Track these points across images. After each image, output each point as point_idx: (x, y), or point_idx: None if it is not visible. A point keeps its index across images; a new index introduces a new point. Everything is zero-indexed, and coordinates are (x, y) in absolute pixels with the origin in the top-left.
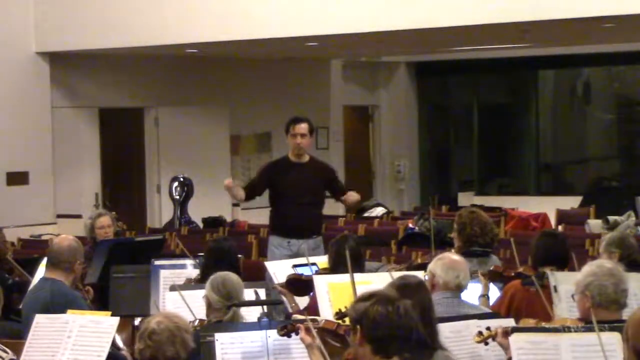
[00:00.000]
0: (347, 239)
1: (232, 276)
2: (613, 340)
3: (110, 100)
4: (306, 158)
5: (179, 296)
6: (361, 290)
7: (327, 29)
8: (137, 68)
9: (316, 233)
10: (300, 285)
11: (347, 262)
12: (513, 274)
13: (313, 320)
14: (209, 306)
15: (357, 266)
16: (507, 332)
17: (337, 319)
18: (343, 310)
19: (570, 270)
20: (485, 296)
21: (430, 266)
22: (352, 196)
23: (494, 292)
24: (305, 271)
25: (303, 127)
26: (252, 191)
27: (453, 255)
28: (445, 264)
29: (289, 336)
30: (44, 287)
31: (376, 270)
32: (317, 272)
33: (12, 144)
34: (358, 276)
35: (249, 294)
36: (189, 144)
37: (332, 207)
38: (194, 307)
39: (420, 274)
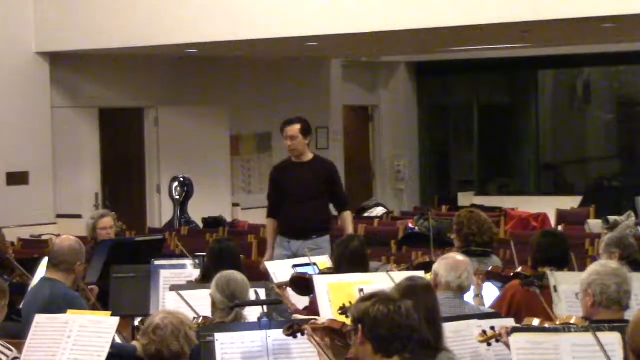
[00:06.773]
0: (352, 239)
1: (237, 276)
2: (613, 340)
3: (110, 100)
4: (308, 157)
5: (179, 296)
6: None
7: (327, 29)
8: (137, 68)
9: (318, 233)
10: (303, 284)
11: (349, 262)
12: (512, 274)
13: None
14: (214, 305)
15: (361, 266)
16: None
17: (340, 314)
18: (347, 305)
19: (570, 271)
20: (479, 296)
21: (434, 265)
22: (346, 224)
23: (492, 292)
24: (307, 271)
25: (292, 129)
26: (276, 204)
27: (458, 256)
28: (448, 264)
29: (295, 336)
30: (44, 288)
31: (376, 270)
32: (319, 272)
33: (12, 144)
34: (359, 276)
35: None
36: (189, 144)
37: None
38: (194, 307)
39: (421, 274)
